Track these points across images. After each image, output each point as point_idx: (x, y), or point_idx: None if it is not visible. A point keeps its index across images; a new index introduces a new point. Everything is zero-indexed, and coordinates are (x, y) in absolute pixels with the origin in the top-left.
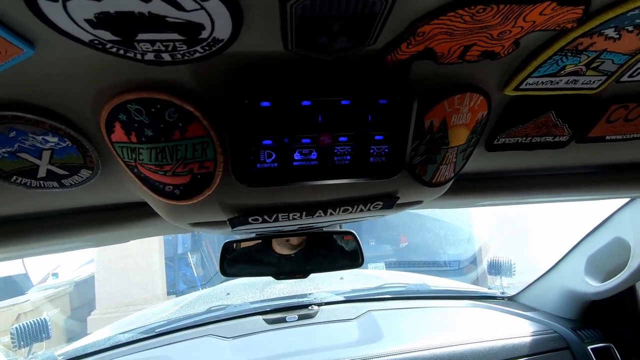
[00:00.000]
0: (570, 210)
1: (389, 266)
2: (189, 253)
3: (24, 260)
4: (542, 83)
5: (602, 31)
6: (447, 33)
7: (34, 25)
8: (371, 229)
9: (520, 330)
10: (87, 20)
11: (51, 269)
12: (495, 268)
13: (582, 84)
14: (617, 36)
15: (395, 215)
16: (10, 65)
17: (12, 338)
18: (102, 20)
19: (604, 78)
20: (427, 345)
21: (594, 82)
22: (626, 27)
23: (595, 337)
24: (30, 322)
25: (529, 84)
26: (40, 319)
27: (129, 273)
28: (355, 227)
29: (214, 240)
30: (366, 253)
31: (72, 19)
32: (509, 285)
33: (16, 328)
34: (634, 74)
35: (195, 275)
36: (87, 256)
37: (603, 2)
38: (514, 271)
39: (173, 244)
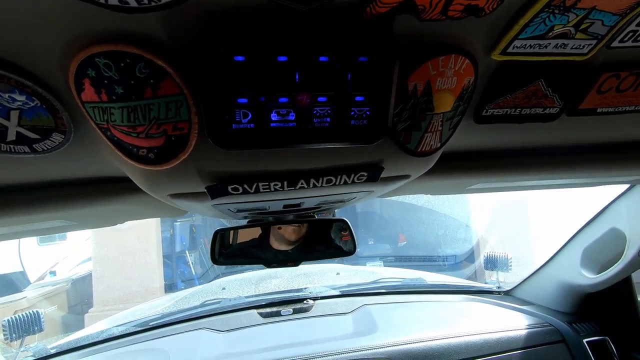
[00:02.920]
0: (571, 205)
1: (387, 264)
2: (187, 251)
3: (21, 258)
4: (530, 47)
5: None
6: None
7: None
8: (369, 228)
9: (515, 323)
10: None
11: (49, 267)
12: (492, 263)
13: (572, 48)
14: None
15: (393, 211)
16: None
17: (3, 330)
18: None
19: (594, 42)
20: (421, 337)
21: (583, 46)
22: None
23: (590, 330)
24: (22, 314)
25: (517, 47)
26: (33, 311)
27: (127, 271)
28: (352, 222)
29: None
30: (365, 252)
31: None
32: (505, 280)
33: (8, 320)
34: (625, 39)
35: (194, 273)
36: (85, 254)
37: None
38: (511, 266)
39: (171, 242)
